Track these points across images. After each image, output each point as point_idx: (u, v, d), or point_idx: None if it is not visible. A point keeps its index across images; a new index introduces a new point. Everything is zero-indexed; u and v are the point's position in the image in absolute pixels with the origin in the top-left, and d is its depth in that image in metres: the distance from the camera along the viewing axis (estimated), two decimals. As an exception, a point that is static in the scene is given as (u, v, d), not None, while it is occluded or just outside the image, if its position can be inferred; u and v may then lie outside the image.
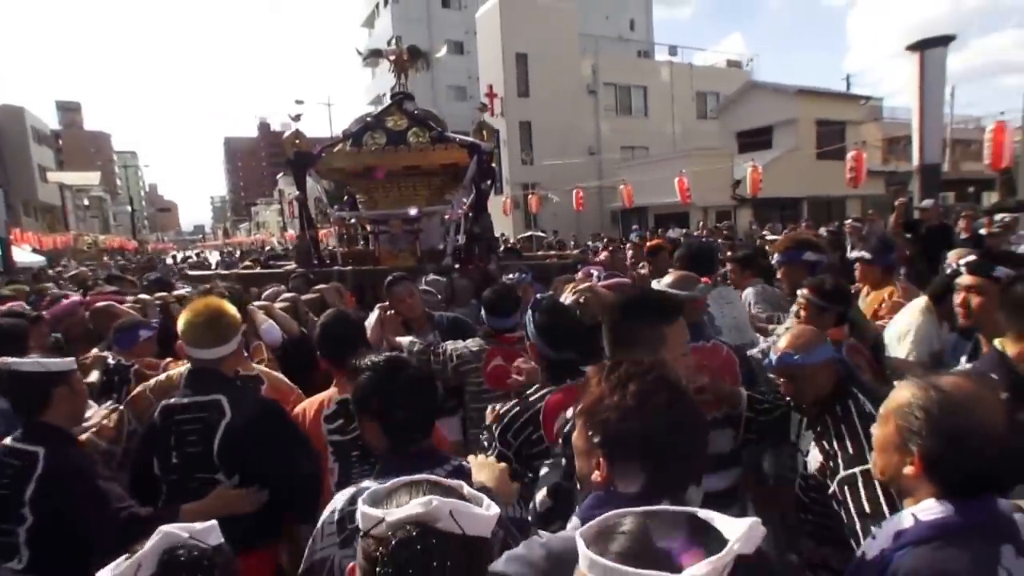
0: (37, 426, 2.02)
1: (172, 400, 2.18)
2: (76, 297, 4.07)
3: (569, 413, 1.77)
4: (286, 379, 2.89)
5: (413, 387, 1.71)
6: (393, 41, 6.65)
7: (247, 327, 3.29)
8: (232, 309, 2.35)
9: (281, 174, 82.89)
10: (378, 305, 3.50)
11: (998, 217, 8.18)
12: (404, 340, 3.15)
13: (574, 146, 25.85)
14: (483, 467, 1.68)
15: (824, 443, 2.03)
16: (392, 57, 6.48)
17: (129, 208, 69.70)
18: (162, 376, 2.72)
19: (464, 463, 1.75)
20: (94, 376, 2.92)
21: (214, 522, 1.10)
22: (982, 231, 7.87)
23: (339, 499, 1.63)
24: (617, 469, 1.21)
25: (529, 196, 22.89)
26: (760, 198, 19.23)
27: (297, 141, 5.90)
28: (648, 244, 6.97)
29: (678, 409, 1.21)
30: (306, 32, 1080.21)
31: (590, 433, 1.27)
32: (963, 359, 2.45)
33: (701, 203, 20.70)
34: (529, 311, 2.40)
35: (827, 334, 2.35)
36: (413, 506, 0.96)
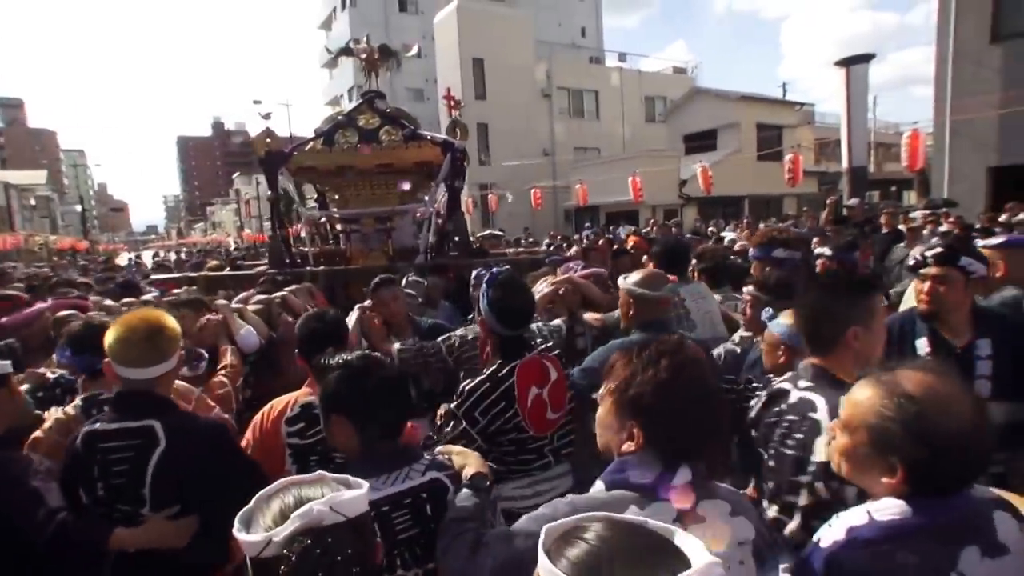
0: None
1: (97, 426, 1.91)
2: (41, 304, 3.77)
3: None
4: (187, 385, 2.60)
5: (388, 386, 1.63)
6: (364, 40, 6.39)
7: (218, 330, 3.28)
8: (172, 322, 2.09)
9: (237, 174, 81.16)
10: (358, 306, 3.28)
11: (914, 214, 8.92)
12: (393, 347, 2.95)
13: (529, 147, 26.28)
14: (462, 454, 1.68)
15: None
16: (363, 56, 6.26)
17: (78, 208, 67.00)
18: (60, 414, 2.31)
19: (439, 457, 1.68)
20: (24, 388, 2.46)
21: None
22: (900, 226, 8.59)
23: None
24: (650, 438, 1.27)
25: (488, 196, 23.19)
26: (705, 197, 20.03)
27: (268, 140, 5.68)
28: (621, 244, 7.16)
29: (706, 383, 1.31)
30: (261, 33, 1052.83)
31: (620, 408, 1.33)
32: (922, 339, 2.46)
33: (651, 202, 21.40)
34: (483, 286, 2.32)
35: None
36: (293, 519, 0.96)
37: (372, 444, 1.58)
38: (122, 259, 25.84)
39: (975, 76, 10.48)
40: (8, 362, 2.03)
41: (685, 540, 0.78)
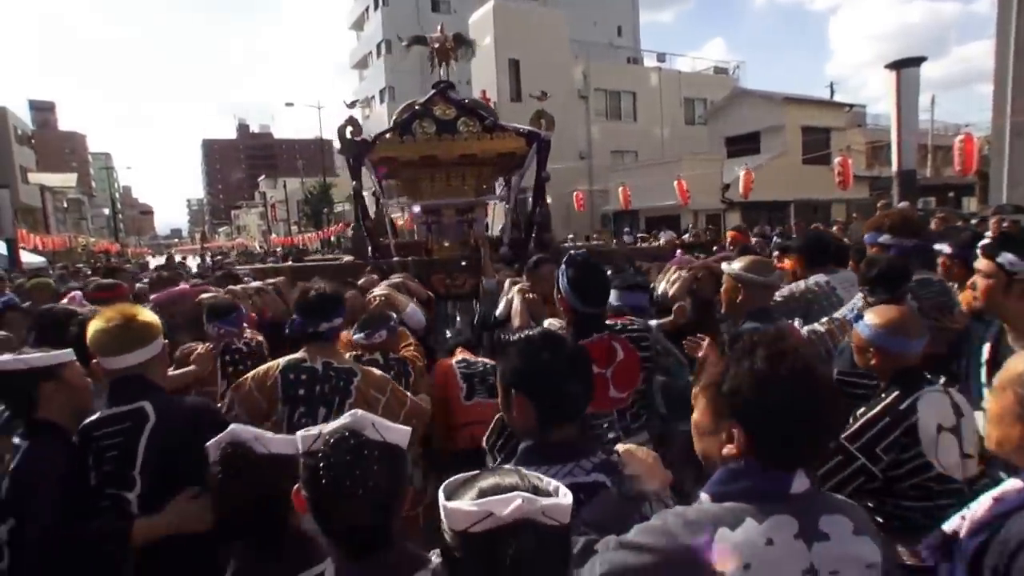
0: (34, 423, 1.99)
1: (90, 419, 2.00)
2: (184, 285, 4.18)
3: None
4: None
5: (569, 359, 1.58)
6: (439, 28, 6.42)
7: (387, 309, 3.41)
8: (148, 314, 2.18)
9: (262, 176, 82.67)
10: (517, 288, 3.37)
11: (973, 222, 9.05)
12: (554, 322, 2.96)
13: (565, 150, 26.59)
14: (635, 458, 1.53)
15: None
16: (436, 45, 6.28)
17: (106, 211, 69.13)
18: (263, 366, 2.66)
19: (614, 457, 1.56)
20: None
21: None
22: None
23: None
24: (752, 440, 1.18)
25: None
26: (748, 201, 20.13)
27: (351, 129, 5.71)
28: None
29: (813, 373, 1.18)
30: (288, 34, 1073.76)
31: (716, 407, 1.25)
32: (986, 346, 2.41)
33: (692, 206, 21.57)
34: (562, 265, 2.46)
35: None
36: (342, 419, 1.24)
37: (549, 428, 1.53)
38: (152, 263, 26.72)
39: (1039, 75, 10.55)
40: (66, 351, 2.08)
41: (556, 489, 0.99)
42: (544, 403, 1.52)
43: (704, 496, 1.23)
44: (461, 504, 0.95)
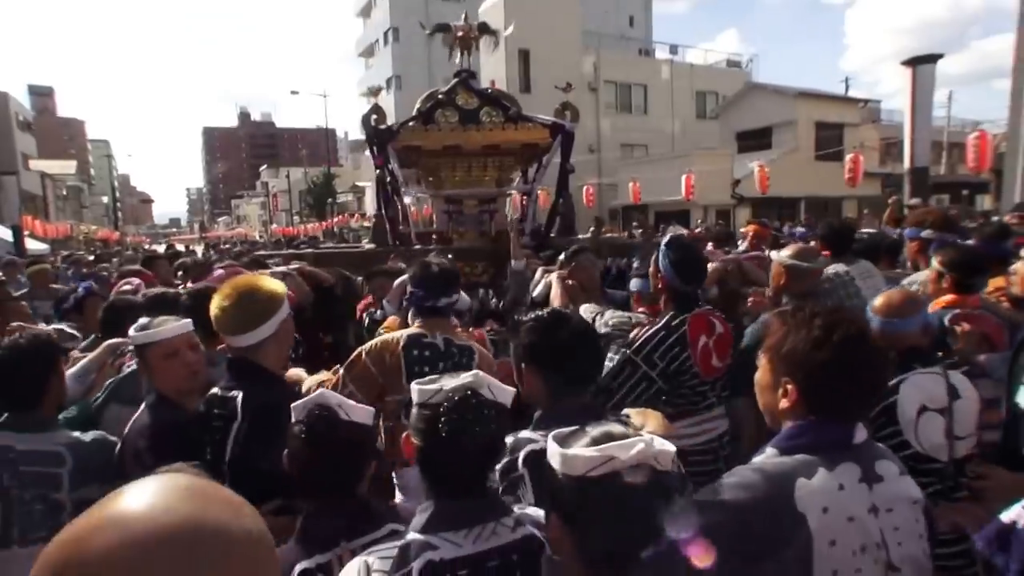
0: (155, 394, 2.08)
1: (214, 389, 2.05)
2: (220, 270, 4.25)
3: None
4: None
5: (579, 339, 1.77)
6: (464, 15, 6.50)
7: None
8: (272, 285, 2.14)
9: (264, 166, 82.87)
10: (556, 275, 3.55)
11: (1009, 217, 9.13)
12: (590, 307, 3.17)
13: (575, 143, 26.69)
14: (643, 414, 1.80)
15: None
16: (460, 33, 6.33)
17: (104, 199, 69.25)
18: (379, 339, 2.61)
19: (623, 417, 1.75)
20: None
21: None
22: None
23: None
24: (806, 396, 1.36)
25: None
26: (759, 197, 20.26)
27: (375, 117, 5.77)
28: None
29: (862, 342, 1.37)
30: (291, 21, 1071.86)
31: (777, 367, 1.43)
32: None
33: (702, 201, 21.68)
34: (662, 247, 2.68)
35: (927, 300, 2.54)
36: (464, 377, 1.34)
37: (560, 396, 1.73)
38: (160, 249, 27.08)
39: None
40: (184, 322, 2.16)
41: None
42: (552, 374, 1.73)
43: (771, 450, 1.40)
44: (582, 450, 1.02)
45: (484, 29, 6.51)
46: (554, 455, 1.07)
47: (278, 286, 2.14)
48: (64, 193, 49.45)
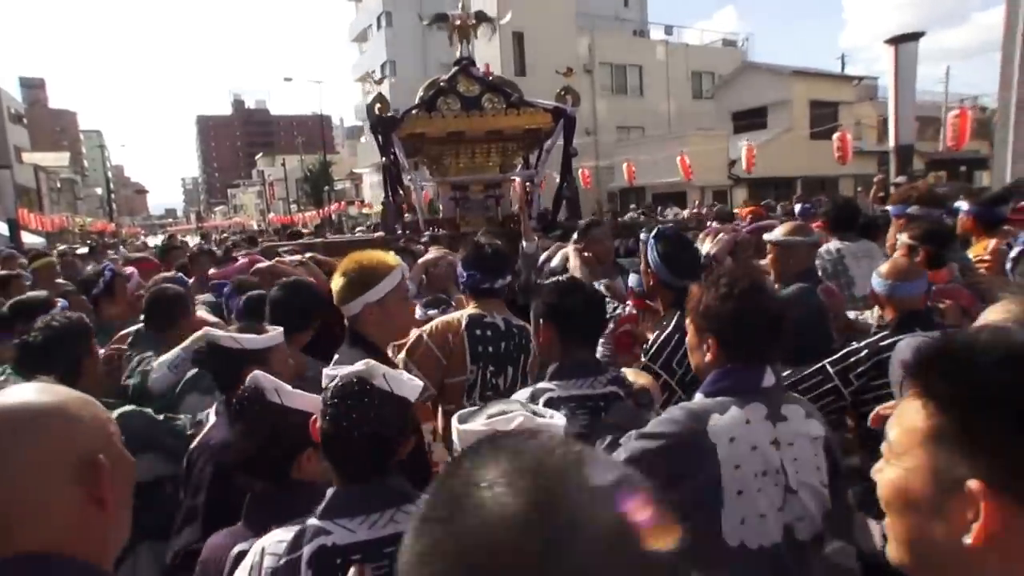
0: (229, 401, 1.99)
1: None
2: (243, 260, 4.34)
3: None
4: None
5: (588, 301, 2.05)
6: (461, 4, 6.71)
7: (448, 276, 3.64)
8: (379, 257, 2.21)
9: (260, 154, 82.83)
10: (573, 247, 3.73)
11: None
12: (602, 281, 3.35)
13: (571, 126, 26.86)
14: (636, 374, 2.14)
15: None
16: (458, 23, 6.50)
17: (98, 190, 69.25)
18: (439, 321, 2.58)
19: (621, 374, 2.06)
20: None
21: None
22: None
23: (515, 395, 1.93)
24: (723, 347, 1.63)
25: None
26: (755, 177, 20.49)
27: (379, 105, 5.89)
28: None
29: (759, 292, 1.64)
30: (284, 7, 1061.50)
31: (699, 325, 1.68)
32: None
33: (698, 183, 21.90)
34: (650, 240, 2.61)
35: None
36: (356, 366, 1.37)
37: (570, 350, 1.99)
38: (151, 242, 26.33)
39: (1046, 47, 10.82)
40: (276, 333, 2.15)
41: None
42: (565, 329, 2.01)
43: (699, 395, 1.68)
44: (471, 425, 1.17)
45: (481, 17, 6.68)
46: (453, 430, 1.20)
47: (386, 258, 2.20)
48: (58, 185, 49.04)
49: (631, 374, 2.11)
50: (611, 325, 2.89)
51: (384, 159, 6.19)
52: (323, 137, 44.33)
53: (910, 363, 0.80)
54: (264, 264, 3.80)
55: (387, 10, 38.04)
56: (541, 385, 1.96)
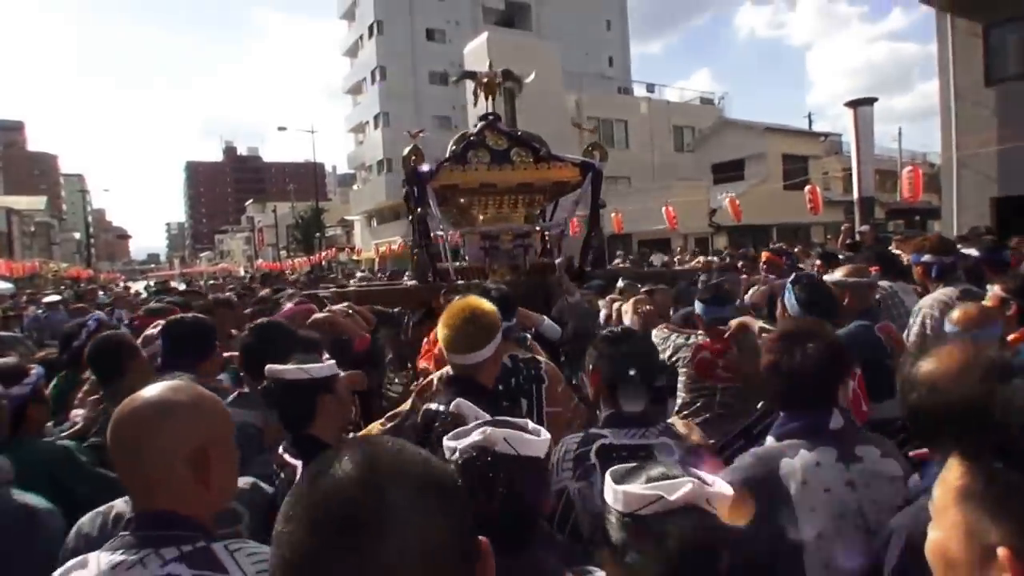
0: (301, 439, 1.96)
1: (433, 404, 2.09)
2: (291, 306, 4.14)
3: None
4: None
5: (639, 353, 2.03)
6: (488, 64, 7.16)
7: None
8: (492, 307, 2.28)
9: (250, 201, 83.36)
10: (635, 300, 3.96)
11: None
12: (657, 332, 3.48)
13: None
14: (687, 426, 2.21)
15: None
16: (485, 80, 6.80)
17: (76, 235, 68.00)
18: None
19: (673, 427, 2.05)
20: None
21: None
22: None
23: (570, 440, 1.98)
24: (781, 396, 1.82)
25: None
26: (734, 225, 22.11)
27: (414, 157, 6.07)
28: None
29: (796, 343, 1.75)
30: (276, 58, 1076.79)
31: (768, 377, 1.83)
32: None
33: (682, 230, 23.46)
34: (788, 285, 2.78)
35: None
36: (474, 436, 1.29)
37: (621, 401, 1.96)
38: (138, 287, 25.27)
39: (974, 115, 12.58)
40: (332, 362, 2.11)
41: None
42: (614, 381, 1.98)
43: (769, 439, 1.77)
44: (633, 488, 1.04)
45: (508, 75, 7.06)
46: (608, 490, 1.08)
47: (495, 309, 2.30)
48: (32, 229, 48.08)
49: (682, 426, 2.19)
50: (687, 353, 3.26)
51: (418, 209, 6.31)
52: (316, 184, 45.52)
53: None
54: (321, 316, 3.68)
55: (381, 64, 39.88)
56: (594, 431, 1.99)
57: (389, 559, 0.61)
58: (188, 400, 1.22)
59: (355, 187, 49.31)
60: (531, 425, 1.35)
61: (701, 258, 15.84)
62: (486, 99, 6.88)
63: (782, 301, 2.86)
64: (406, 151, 6.21)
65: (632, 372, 1.94)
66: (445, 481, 0.71)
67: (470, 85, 7.46)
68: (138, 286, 26.66)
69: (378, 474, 0.66)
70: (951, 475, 0.77)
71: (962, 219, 13.20)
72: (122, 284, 34.38)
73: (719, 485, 1.04)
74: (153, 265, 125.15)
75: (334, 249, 43.28)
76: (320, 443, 1.86)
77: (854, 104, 12.28)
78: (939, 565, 0.79)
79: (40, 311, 9.51)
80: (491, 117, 6.67)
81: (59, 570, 1.15)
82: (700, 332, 3.33)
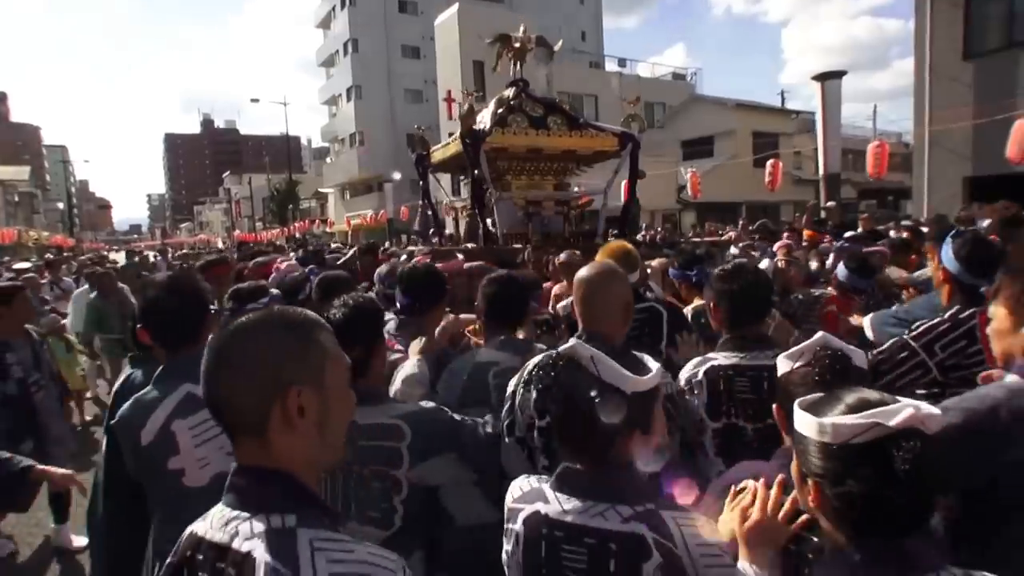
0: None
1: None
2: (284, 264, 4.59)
3: None
4: None
5: (751, 281, 2.16)
6: (522, 29, 6.79)
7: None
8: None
9: (227, 172, 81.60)
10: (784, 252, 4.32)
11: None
12: None
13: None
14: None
15: None
16: (517, 44, 6.59)
17: (60, 205, 67.34)
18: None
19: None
20: None
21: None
22: (879, 227, 9.66)
23: (687, 367, 2.17)
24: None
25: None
26: (702, 202, 21.16)
27: (469, 118, 5.86)
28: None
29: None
30: (252, 30, 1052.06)
31: (1016, 311, 1.73)
32: None
33: (649, 206, 22.48)
34: (948, 239, 2.61)
35: None
36: (568, 344, 1.32)
37: (736, 327, 2.13)
38: (119, 257, 24.79)
39: (950, 90, 11.60)
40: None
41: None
42: (728, 308, 2.16)
43: (1011, 377, 1.64)
44: (845, 418, 0.99)
45: (541, 42, 6.90)
46: (809, 424, 1.04)
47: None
48: (16, 199, 48.32)
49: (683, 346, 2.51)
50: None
51: (475, 171, 6.00)
52: (289, 156, 43.98)
53: None
54: (476, 264, 4.55)
55: (354, 37, 38.22)
56: (709, 354, 2.14)
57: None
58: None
59: (328, 160, 47.74)
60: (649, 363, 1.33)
61: (731, 233, 15.10)
62: (513, 64, 6.68)
63: (939, 257, 2.66)
64: (464, 108, 5.90)
65: (739, 297, 2.13)
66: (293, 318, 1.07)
67: (442, 58, 7.20)
68: (120, 255, 26.69)
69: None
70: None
71: (934, 199, 12.33)
72: (104, 252, 33.13)
73: (930, 408, 1.00)
74: (136, 235, 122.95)
75: (308, 221, 42.24)
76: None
77: (822, 78, 11.28)
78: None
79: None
80: (521, 83, 6.52)
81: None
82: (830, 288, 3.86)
